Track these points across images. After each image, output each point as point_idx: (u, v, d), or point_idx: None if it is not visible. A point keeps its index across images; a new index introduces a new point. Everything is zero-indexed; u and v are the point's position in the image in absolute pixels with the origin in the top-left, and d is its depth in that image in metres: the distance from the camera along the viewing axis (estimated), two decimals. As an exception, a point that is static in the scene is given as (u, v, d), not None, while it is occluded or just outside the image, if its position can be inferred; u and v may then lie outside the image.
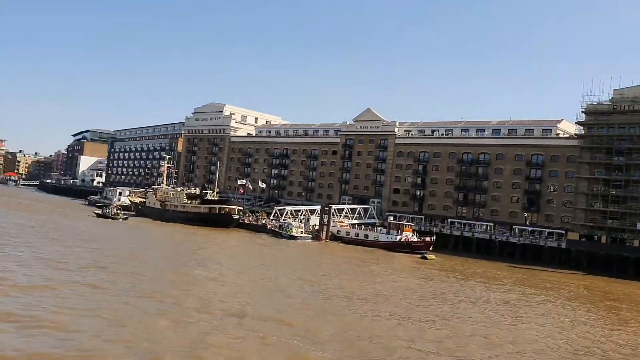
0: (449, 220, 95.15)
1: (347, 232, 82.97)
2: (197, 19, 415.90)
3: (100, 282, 28.53)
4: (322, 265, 51.73)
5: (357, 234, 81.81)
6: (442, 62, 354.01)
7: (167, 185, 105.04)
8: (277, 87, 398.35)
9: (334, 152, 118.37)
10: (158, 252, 47.02)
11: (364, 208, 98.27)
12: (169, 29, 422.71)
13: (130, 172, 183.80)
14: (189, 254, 49.08)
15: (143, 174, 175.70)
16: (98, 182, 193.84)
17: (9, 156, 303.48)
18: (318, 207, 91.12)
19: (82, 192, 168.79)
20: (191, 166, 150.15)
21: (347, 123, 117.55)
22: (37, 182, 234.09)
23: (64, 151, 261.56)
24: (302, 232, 79.51)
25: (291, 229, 79.04)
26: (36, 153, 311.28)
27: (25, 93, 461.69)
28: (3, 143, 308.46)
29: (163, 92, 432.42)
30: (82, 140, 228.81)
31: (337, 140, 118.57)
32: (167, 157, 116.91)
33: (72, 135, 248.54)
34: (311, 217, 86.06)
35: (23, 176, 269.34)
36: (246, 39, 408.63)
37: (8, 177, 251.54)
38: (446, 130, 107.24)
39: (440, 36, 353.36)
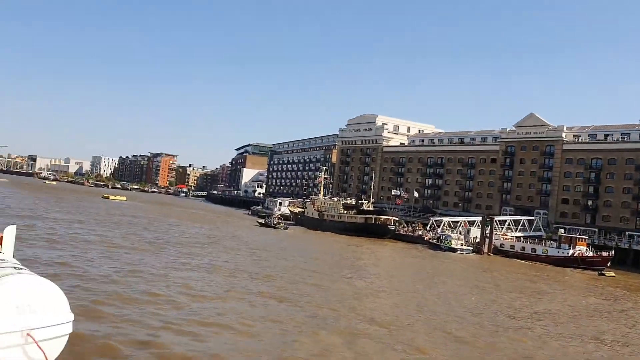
0: (627, 233, 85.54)
1: (511, 246, 77.70)
2: (350, 31, 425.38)
3: (273, 291, 28.81)
4: (490, 280, 48.36)
5: (523, 248, 76.17)
6: (614, 58, 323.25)
7: (323, 195, 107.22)
8: (428, 95, 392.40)
9: (493, 160, 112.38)
10: (320, 262, 47.26)
11: (528, 219, 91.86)
12: (325, 41, 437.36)
13: (288, 183, 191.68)
14: (349, 265, 48.70)
15: (300, 184, 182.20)
16: (259, 193, 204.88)
17: (180, 170, 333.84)
18: (478, 218, 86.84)
19: (244, 202, 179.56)
20: (345, 177, 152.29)
21: (508, 129, 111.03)
22: (204, 193, 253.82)
23: (228, 164, 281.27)
24: (462, 245, 75.95)
25: (450, 241, 75.89)
26: (203, 166, 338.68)
27: (193, 112, 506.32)
28: (175, 158, 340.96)
29: (319, 105, 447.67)
30: (245, 154, 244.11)
31: (497, 147, 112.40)
32: (324, 168, 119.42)
33: (236, 150, 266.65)
34: (471, 228, 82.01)
35: (192, 188, 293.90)
36: (394, 49, 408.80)
37: (180, 189, 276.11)
38: (622, 134, 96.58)
39: (616, 26, 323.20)
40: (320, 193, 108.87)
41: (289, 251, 53.41)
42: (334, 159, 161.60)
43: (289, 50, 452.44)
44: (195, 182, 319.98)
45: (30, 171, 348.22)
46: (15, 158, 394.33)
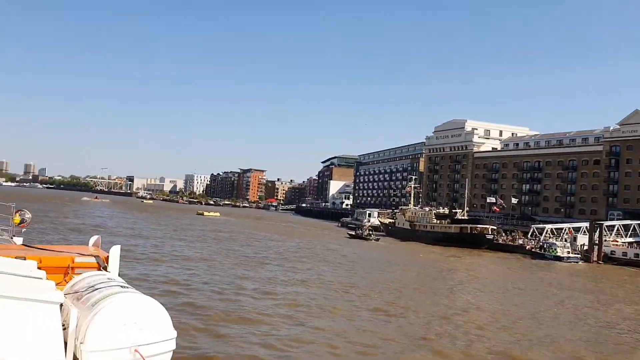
0: None
1: (623, 252, 71.67)
2: (431, 35, 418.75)
3: (383, 306, 27.54)
4: (610, 292, 44.35)
5: (637, 254, 70.02)
6: None
7: (414, 205, 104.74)
8: (520, 97, 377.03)
9: (597, 162, 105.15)
10: (421, 275, 45.42)
11: (639, 224, 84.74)
12: (406, 49, 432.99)
13: (375, 194, 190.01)
14: (451, 278, 46.44)
15: (387, 194, 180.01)
16: (347, 205, 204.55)
17: (269, 184, 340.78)
18: (583, 224, 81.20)
19: (333, 214, 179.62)
20: (434, 185, 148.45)
21: (611, 128, 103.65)
22: (293, 206, 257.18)
23: (314, 177, 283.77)
24: (568, 253, 70.94)
25: (556, 249, 71.09)
26: (291, 180, 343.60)
27: (280, 128, 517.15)
28: (264, 173, 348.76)
29: (403, 115, 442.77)
30: (331, 166, 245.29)
31: (600, 148, 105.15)
32: (413, 177, 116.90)
33: (322, 162, 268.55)
34: (578, 235, 76.61)
35: (281, 202, 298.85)
36: (477, 50, 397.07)
37: (269, 203, 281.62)
38: None
39: None
40: (410, 203, 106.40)
41: (386, 264, 51.87)
42: (421, 168, 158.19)
43: (371, 62, 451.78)
44: (283, 195, 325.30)
45: (129, 191, 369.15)
46: (114, 179, 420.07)
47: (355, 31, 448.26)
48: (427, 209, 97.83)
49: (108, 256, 8.12)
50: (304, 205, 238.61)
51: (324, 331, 21.50)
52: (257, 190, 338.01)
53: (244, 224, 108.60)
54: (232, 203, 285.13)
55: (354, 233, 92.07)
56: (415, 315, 26.70)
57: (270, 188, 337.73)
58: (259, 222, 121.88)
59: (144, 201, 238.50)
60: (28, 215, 18.98)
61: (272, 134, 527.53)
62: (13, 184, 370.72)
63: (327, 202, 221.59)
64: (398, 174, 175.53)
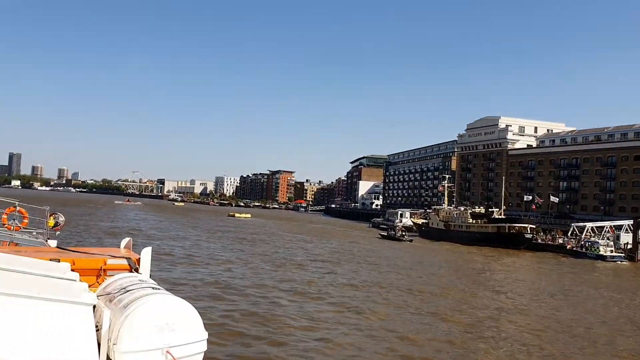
0: None
1: (671, 251, 68.92)
2: (456, 31, 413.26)
3: (434, 310, 26.47)
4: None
5: (686, 253, 67.28)
6: None
7: (448, 205, 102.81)
8: (557, 92, 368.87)
9: (637, 158, 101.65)
10: (463, 276, 44.06)
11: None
12: (432, 44, 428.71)
13: (405, 194, 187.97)
14: (496, 278, 44.92)
15: (418, 194, 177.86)
16: (376, 205, 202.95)
17: (298, 186, 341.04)
18: (626, 222, 78.35)
19: (363, 214, 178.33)
20: (467, 184, 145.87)
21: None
22: (322, 207, 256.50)
23: (343, 177, 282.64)
24: (611, 251, 68.46)
25: (598, 248, 68.69)
26: (320, 181, 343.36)
27: (309, 129, 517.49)
28: (293, 174, 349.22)
29: (433, 113, 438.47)
30: (360, 167, 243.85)
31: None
32: (446, 176, 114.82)
33: (350, 163, 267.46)
34: (621, 233, 73.94)
35: (310, 202, 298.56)
36: (510, 48, 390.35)
37: (299, 204, 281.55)
38: None
39: None
40: (444, 202, 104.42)
41: (426, 265, 50.61)
42: (453, 166, 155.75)
43: (401, 61, 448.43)
44: (312, 196, 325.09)
45: (160, 194, 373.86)
46: (146, 182, 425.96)
47: (385, 30, 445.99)
48: (462, 208, 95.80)
49: (139, 258, 8.21)
50: (333, 206, 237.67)
51: (394, 335, 20.55)
52: (287, 192, 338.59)
53: (276, 226, 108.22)
54: (262, 204, 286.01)
55: (386, 234, 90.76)
56: (503, 328, 25.54)
57: (299, 189, 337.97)
58: (290, 223, 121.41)
59: (175, 203, 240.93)
60: (62, 219, 20.31)
61: (300, 136, 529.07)
62: (47, 189, 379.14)
63: (357, 203, 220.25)
64: (429, 173, 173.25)
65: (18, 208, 19.09)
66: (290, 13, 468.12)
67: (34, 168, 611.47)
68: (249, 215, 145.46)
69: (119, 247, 9.64)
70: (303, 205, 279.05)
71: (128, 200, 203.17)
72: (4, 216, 18.15)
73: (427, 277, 40.97)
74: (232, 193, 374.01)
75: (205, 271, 33.95)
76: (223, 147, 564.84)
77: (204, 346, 6.25)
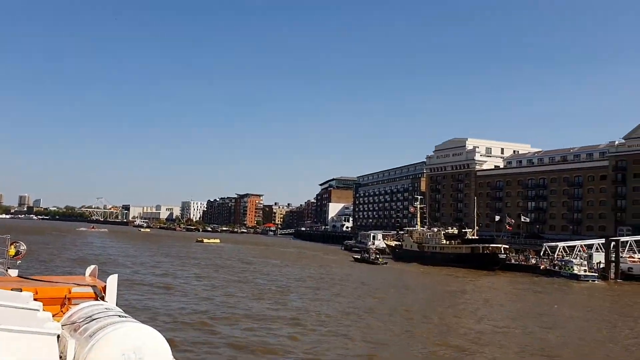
0: None
1: (642, 269, 69.76)
2: (425, 54, 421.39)
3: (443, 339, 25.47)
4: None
5: (657, 271, 68.17)
6: None
7: (421, 226, 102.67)
8: (520, 114, 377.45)
9: (603, 177, 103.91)
10: (443, 301, 43.35)
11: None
12: (401, 67, 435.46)
13: (376, 215, 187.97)
14: (471, 302, 44.31)
15: (388, 215, 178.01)
16: (347, 227, 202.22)
17: (266, 209, 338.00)
18: (595, 241, 79.51)
19: (333, 237, 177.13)
20: (436, 205, 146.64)
21: (616, 142, 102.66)
22: (292, 230, 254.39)
23: (313, 200, 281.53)
24: (585, 271, 68.94)
25: (572, 267, 69.12)
26: (288, 204, 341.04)
27: (276, 152, 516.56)
28: (261, 198, 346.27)
29: (400, 134, 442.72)
30: (329, 189, 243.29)
31: (605, 163, 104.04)
32: (419, 197, 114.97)
33: (320, 185, 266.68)
34: (593, 253, 74.73)
35: (279, 226, 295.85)
36: (475, 70, 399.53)
37: (268, 228, 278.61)
38: None
39: None
40: (417, 224, 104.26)
41: (403, 290, 49.78)
42: (423, 188, 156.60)
43: (366, 79, 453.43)
44: (281, 220, 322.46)
45: (125, 220, 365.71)
46: (110, 209, 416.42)
47: (352, 52, 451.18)
48: (435, 229, 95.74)
49: (105, 286, 8.18)
50: (303, 229, 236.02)
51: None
52: (255, 215, 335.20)
53: (248, 251, 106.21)
54: (230, 229, 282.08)
55: (359, 257, 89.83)
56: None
57: (267, 213, 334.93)
58: (261, 248, 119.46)
59: (142, 230, 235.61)
60: (23, 247, 19.97)
61: (269, 158, 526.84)
62: (8, 216, 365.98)
63: (327, 225, 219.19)
64: (399, 195, 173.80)
65: (-25, 238, 18.28)
66: (249, 33, 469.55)
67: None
68: (218, 241, 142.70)
69: (84, 275, 9.53)
70: (272, 229, 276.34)
71: (93, 227, 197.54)
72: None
73: (411, 302, 40.07)
74: (199, 218, 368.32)
75: (184, 300, 32.31)
76: (189, 172, 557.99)
77: None
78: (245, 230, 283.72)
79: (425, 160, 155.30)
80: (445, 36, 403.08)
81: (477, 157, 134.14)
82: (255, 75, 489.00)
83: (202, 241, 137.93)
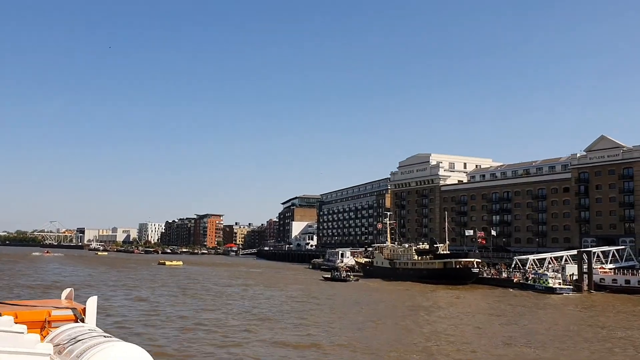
0: None
1: (613, 280, 70.53)
2: (387, 71, 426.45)
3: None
4: (613, 324, 42.08)
5: (628, 281, 69.00)
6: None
7: (391, 242, 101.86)
8: (479, 127, 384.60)
9: (566, 189, 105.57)
10: (423, 320, 42.05)
11: (617, 249, 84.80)
12: (360, 82, 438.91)
13: (341, 232, 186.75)
14: (451, 318, 43.13)
15: (354, 233, 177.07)
16: (311, 245, 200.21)
17: (227, 229, 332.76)
18: (565, 253, 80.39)
19: (298, 256, 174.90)
20: (402, 221, 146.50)
21: (578, 155, 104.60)
22: (255, 250, 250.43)
23: (275, 219, 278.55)
24: (559, 283, 69.14)
25: (547, 281, 69.20)
26: (249, 224, 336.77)
27: (235, 171, 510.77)
28: (221, 218, 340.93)
29: (364, 151, 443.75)
30: (292, 207, 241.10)
31: (568, 175, 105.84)
32: (389, 213, 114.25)
33: (282, 204, 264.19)
34: (567, 265, 75.28)
35: (241, 246, 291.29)
36: (434, 81, 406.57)
37: (229, 249, 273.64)
38: None
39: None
40: (387, 240, 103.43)
41: (390, 308, 48.30)
42: (387, 204, 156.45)
43: (326, 97, 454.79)
44: (242, 240, 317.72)
45: (80, 243, 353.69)
46: (64, 232, 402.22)
47: (310, 66, 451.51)
48: (406, 245, 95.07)
49: (84, 308, 8.27)
50: (266, 248, 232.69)
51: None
52: (215, 236, 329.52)
53: (214, 273, 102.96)
54: (190, 250, 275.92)
55: (330, 275, 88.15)
56: None
57: (228, 233, 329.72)
58: (226, 269, 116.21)
59: (98, 253, 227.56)
60: None
61: (227, 178, 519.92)
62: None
63: (290, 244, 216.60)
64: (364, 212, 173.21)
65: None
66: (208, 50, 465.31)
67: None
68: (180, 263, 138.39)
69: (60, 299, 9.51)
70: (234, 249, 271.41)
71: (47, 252, 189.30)
72: None
73: (391, 324, 38.56)
74: (157, 240, 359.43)
75: (164, 329, 29.85)
76: (146, 192, 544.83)
77: None
78: (206, 251, 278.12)
79: (389, 176, 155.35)
80: (404, 51, 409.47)
81: (441, 172, 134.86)
82: (213, 95, 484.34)
83: (164, 264, 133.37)
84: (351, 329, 34.50)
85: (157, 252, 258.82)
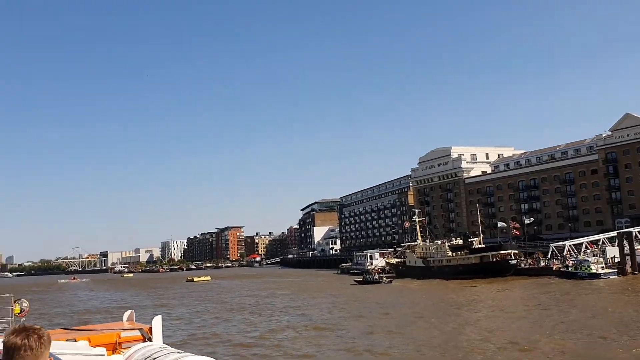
0: None
1: (658, 260, 68.57)
2: (391, 71, 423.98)
3: None
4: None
5: (674, 260, 67.05)
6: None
7: (422, 240, 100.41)
8: (498, 115, 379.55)
9: (594, 171, 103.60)
10: (473, 318, 40.72)
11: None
12: (370, 79, 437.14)
13: (364, 234, 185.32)
14: (507, 317, 41.70)
15: (378, 234, 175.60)
16: (335, 250, 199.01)
17: (249, 240, 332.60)
18: (601, 236, 78.54)
19: (323, 261, 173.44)
20: (427, 217, 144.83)
21: (603, 135, 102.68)
22: (278, 259, 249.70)
23: (295, 226, 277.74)
24: (603, 268, 67.26)
25: (589, 266, 67.32)
26: (270, 233, 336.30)
27: (252, 182, 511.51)
28: (242, 229, 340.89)
29: (381, 150, 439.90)
30: (312, 212, 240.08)
31: (594, 157, 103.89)
32: (417, 210, 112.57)
33: (301, 210, 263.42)
34: (607, 248, 73.44)
35: (263, 256, 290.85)
36: (447, 80, 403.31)
37: (253, 259, 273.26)
38: None
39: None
40: (418, 238, 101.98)
41: (436, 307, 47.01)
42: (410, 201, 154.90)
43: (326, 93, 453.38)
44: (264, 249, 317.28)
45: (104, 267, 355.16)
46: (87, 257, 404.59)
47: (321, 66, 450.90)
48: (439, 242, 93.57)
49: (150, 327, 8.53)
50: (290, 256, 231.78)
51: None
52: (237, 248, 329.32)
53: (243, 285, 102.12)
54: (214, 264, 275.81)
55: (362, 279, 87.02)
56: None
57: (250, 244, 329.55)
58: (254, 281, 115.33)
59: (124, 275, 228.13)
60: (26, 304, 19.43)
61: (245, 190, 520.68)
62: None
63: (314, 250, 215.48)
64: (386, 211, 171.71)
65: (-23, 300, 19.27)
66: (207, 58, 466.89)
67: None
68: (209, 278, 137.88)
69: (122, 321, 9.87)
70: (257, 259, 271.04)
71: (74, 278, 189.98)
72: (-34, 309, 17.95)
73: (449, 328, 37.28)
74: (181, 257, 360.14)
75: (224, 346, 28.85)
76: (165, 211, 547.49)
77: None
78: (230, 264, 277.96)
79: (410, 173, 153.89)
80: (416, 44, 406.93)
81: (464, 164, 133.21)
82: (223, 104, 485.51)
83: (192, 280, 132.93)
84: (420, 330, 33.31)
85: (182, 269, 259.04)
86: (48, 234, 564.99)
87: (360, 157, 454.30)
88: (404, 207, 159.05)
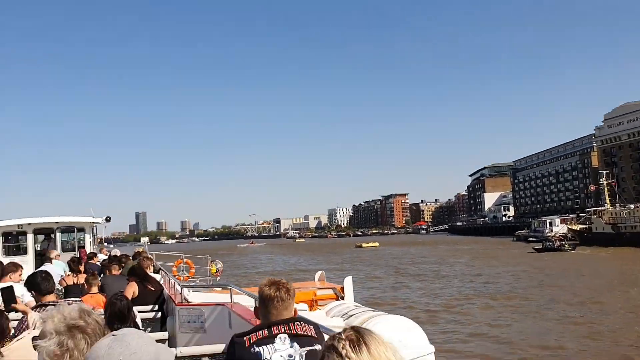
0: None
1: None
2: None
3: None
4: None
5: None
6: None
7: (611, 205, 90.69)
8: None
9: None
10: None
11: None
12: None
13: (541, 200, 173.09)
14: None
15: (556, 199, 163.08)
16: (508, 217, 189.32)
17: (414, 207, 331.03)
18: None
19: (495, 229, 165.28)
20: (615, 180, 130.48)
21: None
22: (446, 226, 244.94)
23: (463, 192, 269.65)
24: None
25: None
26: (436, 200, 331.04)
27: (416, 148, 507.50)
28: (406, 197, 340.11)
29: (558, 108, 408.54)
30: (482, 178, 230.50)
31: None
32: (604, 172, 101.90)
33: (469, 176, 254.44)
34: None
35: (429, 223, 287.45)
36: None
37: (419, 227, 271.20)
38: None
39: None
40: (607, 203, 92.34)
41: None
42: (594, 163, 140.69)
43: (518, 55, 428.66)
44: (430, 217, 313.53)
45: (277, 233, 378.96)
46: (262, 223, 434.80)
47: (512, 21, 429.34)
48: (631, 206, 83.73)
49: (342, 287, 9.12)
50: (458, 223, 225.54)
51: None
52: (402, 215, 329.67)
53: (413, 252, 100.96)
54: (380, 231, 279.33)
55: (541, 246, 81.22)
56: None
57: (415, 211, 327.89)
58: (425, 248, 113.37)
59: (296, 240, 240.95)
60: (220, 265, 21.86)
61: (408, 155, 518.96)
62: (173, 241, 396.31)
63: (485, 217, 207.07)
64: (566, 174, 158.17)
65: (185, 260, 21.16)
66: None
67: (158, 224, 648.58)
68: (377, 244, 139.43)
69: (314, 280, 10.63)
70: (424, 227, 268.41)
71: (252, 242, 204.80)
72: (174, 268, 19.59)
73: None
74: (347, 223, 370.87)
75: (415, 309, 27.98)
76: (332, 179, 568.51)
77: (432, 358, 6.28)
78: (395, 231, 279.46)
79: (594, 132, 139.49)
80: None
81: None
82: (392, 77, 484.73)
83: (361, 246, 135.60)
84: None
85: (349, 235, 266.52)
86: (229, 202, 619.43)
87: (535, 116, 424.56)
88: (586, 170, 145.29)
